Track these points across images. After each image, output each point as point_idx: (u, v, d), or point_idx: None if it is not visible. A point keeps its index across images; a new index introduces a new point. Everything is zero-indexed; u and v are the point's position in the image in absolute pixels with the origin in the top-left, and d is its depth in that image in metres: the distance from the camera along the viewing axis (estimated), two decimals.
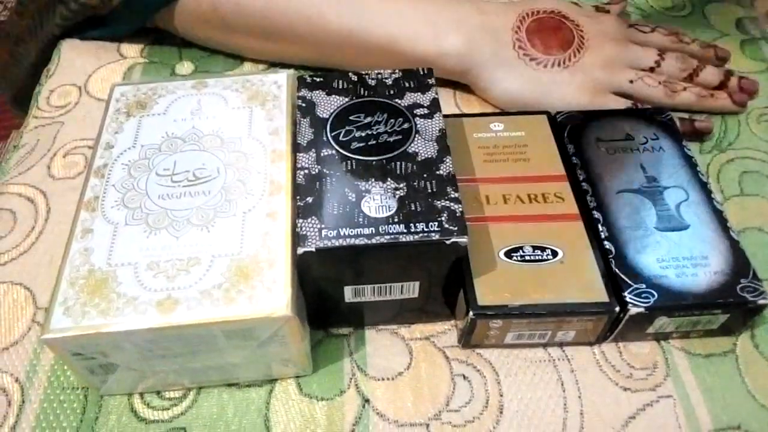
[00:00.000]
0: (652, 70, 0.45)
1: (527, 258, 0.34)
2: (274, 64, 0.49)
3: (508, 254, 0.34)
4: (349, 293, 0.32)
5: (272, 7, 0.44)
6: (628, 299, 0.32)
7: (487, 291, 0.32)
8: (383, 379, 0.34)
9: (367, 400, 0.33)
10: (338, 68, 0.47)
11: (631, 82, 0.43)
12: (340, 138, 0.33)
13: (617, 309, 0.32)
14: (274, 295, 0.29)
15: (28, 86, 0.51)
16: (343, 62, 0.46)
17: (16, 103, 0.58)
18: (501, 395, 0.33)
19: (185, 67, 0.50)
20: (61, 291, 0.29)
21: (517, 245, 0.34)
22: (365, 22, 0.43)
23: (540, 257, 0.34)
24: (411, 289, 0.33)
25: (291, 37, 0.45)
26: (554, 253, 0.34)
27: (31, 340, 0.35)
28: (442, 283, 0.33)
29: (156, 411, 0.32)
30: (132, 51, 0.51)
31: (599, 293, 0.32)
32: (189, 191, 0.32)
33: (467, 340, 0.34)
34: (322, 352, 0.35)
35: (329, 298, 0.33)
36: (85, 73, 0.49)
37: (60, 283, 0.29)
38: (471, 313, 0.32)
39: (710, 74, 0.45)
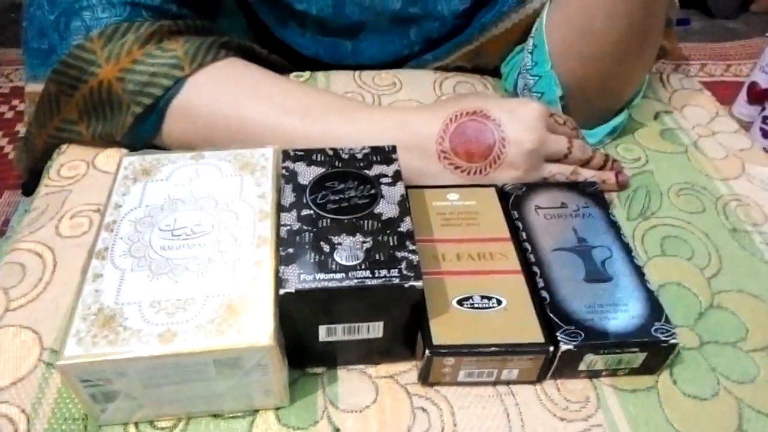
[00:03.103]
0: (565, 156, 0.50)
1: (476, 306, 0.39)
2: None
3: (460, 302, 0.39)
4: (323, 332, 0.37)
5: (244, 130, 0.50)
6: (560, 338, 0.38)
7: (441, 333, 0.38)
8: (352, 412, 0.38)
9: (338, 430, 0.37)
10: None
11: (545, 179, 0.49)
12: (318, 201, 0.40)
13: (551, 348, 0.37)
14: (258, 328, 0.34)
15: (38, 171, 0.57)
16: None
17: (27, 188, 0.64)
18: (455, 425, 0.38)
19: None
20: (74, 325, 0.34)
21: (468, 295, 0.40)
22: (314, 134, 0.49)
23: (487, 305, 0.39)
24: (376, 329, 0.38)
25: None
26: (499, 302, 0.39)
27: (37, 376, 0.39)
28: (404, 324, 0.38)
29: None
30: None
31: (536, 335, 0.38)
32: (187, 243, 0.38)
33: (425, 377, 0.39)
34: (298, 387, 0.39)
35: (306, 338, 0.38)
36: (94, 152, 0.55)
37: (73, 318, 0.34)
38: (427, 351, 0.37)
39: (598, 161, 0.52)
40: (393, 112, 0.51)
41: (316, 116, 0.50)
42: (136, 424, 0.37)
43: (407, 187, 0.42)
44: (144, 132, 0.51)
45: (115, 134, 0.52)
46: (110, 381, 0.34)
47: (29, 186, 0.62)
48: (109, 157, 0.54)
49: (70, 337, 0.33)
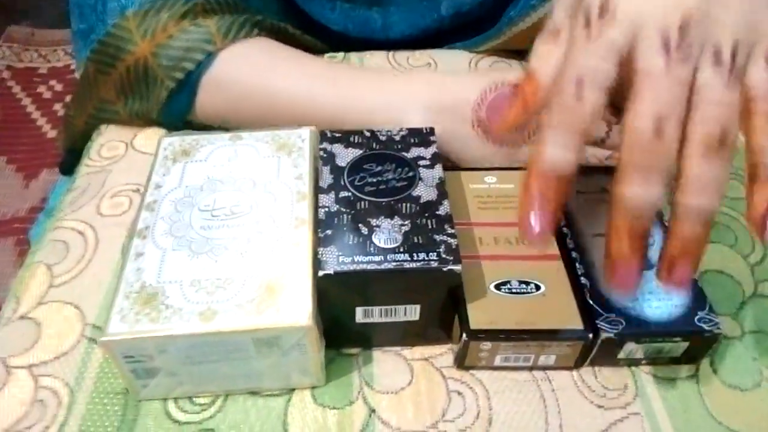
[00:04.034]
0: (602, 141, 0.46)
1: (514, 290, 0.39)
2: None
3: (498, 287, 0.39)
4: (360, 314, 0.38)
5: (275, 102, 0.50)
6: (600, 326, 0.37)
7: (478, 317, 0.38)
8: (387, 393, 0.38)
9: (373, 410, 0.37)
10: None
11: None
12: (356, 183, 0.40)
13: (590, 335, 0.37)
14: (297, 309, 0.34)
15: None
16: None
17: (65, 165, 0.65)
18: (490, 409, 0.38)
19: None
20: (117, 302, 0.35)
21: (506, 279, 0.39)
22: (346, 111, 0.49)
23: (525, 290, 0.39)
24: (413, 312, 0.38)
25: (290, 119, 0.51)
26: (537, 287, 0.39)
27: (80, 351, 0.40)
28: (440, 308, 0.38)
29: (188, 414, 0.37)
30: None
31: (575, 321, 0.37)
32: (226, 224, 0.38)
33: (461, 361, 0.39)
34: (334, 367, 0.39)
35: (343, 319, 0.38)
36: (132, 133, 0.55)
37: (117, 296, 0.35)
38: (464, 335, 0.37)
39: None
40: (430, 74, 0.50)
41: (346, 83, 0.50)
42: (176, 400, 0.38)
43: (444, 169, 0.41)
44: (178, 107, 0.52)
45: (150, 111, 0.53)
46: (152, 357, 0.34)
47: (67, 165, 0.63)
48: (147, 138, 0.55)
49: (113, 314, 0.34)
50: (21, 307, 0.42)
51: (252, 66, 0.51)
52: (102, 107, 0.55)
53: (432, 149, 0.42)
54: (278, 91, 0.50)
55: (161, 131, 0.55)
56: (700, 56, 0.24)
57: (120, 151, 0.54)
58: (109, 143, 0.55)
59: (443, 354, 0.40)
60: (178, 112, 0.53)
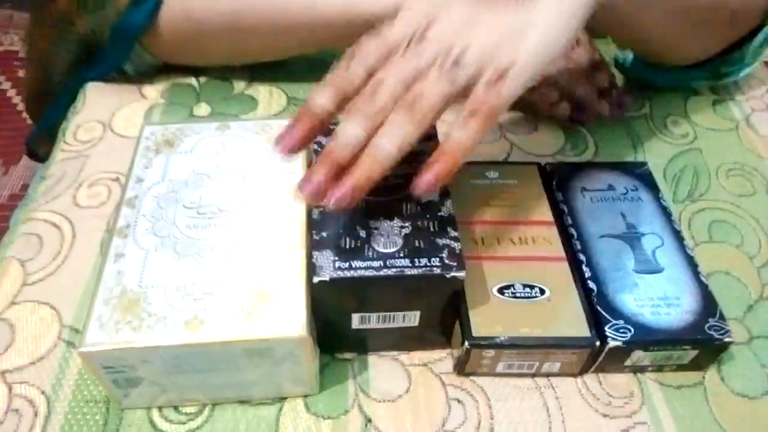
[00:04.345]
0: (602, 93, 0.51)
1: (518, 294, 0.37)
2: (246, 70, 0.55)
3: (501, 291, 0.37)
4: (356, 320, 0.35)
5: (241, 2, 0.48)
6: (607, 333, 0.35)
7: (481, 323, 0.36)
8: (384, 401, 0.36)
9: (370, 420, 0.36)
10: (298, 52, 0.51)
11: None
12: None
13: (598, 343, 0.35)
14: (291, 318, 0.32)
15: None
16: (304, 43, 0.50)
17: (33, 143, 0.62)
18: (492, 418, 0.36)
19: (202, 108, 0.54)
20: (95, 309, 0.32)
21: (509, 283, 0.37)
22: None
23: (529, 294, 0.37)
24: (412, 318, 0.36)
25: (259, 27, 0.49)
26: (542, 291, 0.37)
27: (57, 356, 0.37)
28: (440, 313, 0.36)
29: (173, 424, 0.35)
30: (152, 92, 0.55)
31: (582, 328, 0.36)
32: (213, 222, 0.36)
33: (462, 368, 0.37)
34: (328, 374, 0.37)
35: (337, 324, 0.36)
36: (109, 111, 0.52)
37: (95, 301, 0.32)
38: (467, 343, 0.35)
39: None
40: None
41: None
42: (160, 409, 0.36)
43: None
44: (135, 22, 0.49)
45: (104, 27, 0.49)
46: (134, 368, 0.32)
47: (34, 140, 0.60)
48: (127, 120, 0.52)
49: (92, 321, 0.32)
50: None
51: None
52: (59, 27, 0.51)
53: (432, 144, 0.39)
54: None
55: (141, 110, 0.52)
56: (435, 58, 0.32)
57: (97, 134, 0.50)
58: (86, 124, 0.51)
59: (442, 359, 0.39)
60: (134, 25, 0.49)
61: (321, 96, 0.33)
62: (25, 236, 0.43)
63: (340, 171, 0.31)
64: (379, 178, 0.31)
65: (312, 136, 0.33)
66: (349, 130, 0.31)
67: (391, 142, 0.31)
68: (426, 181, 0.31)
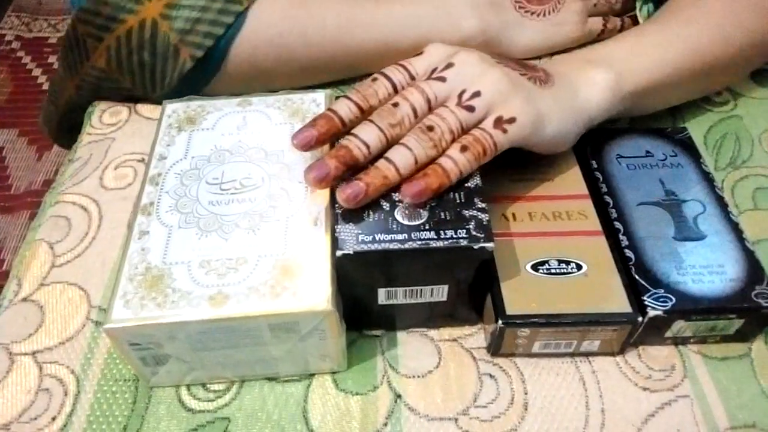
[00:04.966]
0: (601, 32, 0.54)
1: (553, 271, 0.35)
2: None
3: (535, 267, 0.36)
4: (382, 295, 0.35)
5: (318, 45, 0.47)
6: (647, 303, 0.34)
7: (514, 301, 0.34)
8: (414, 377, 0.36)
9: (399, 396, 0.35)
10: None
11: (595, 5, 0.53)
12: None
13: (640, 319, 0.33)
14: (316, 291, 0.31)
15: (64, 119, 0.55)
16: (371, 70, 0.49)
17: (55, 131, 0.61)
18: (526, 393, 0.35)
19: None
20: (120, 286, 0.32)
21: (543, 259, 0.36)
22: (395, 29, 0.48)
23: (565, 270, 0.35)
24: (440, 293, 0.35)
25: (330, 72, 0.50)
26: (578, 267, 0.36)
27: (85, 336, 0.37)
28: (470, 287, 0.35)
29: (202, 402, 0.35)
30: None
31: (622, 304, 0.34)
32: (236, 198, 0.35)
33: (496, 349, 0.36)
34: (356, 350, 0.37)
35: (364, 300, 0.35)
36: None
37: (120, 279, 0.32)
38: (500, 321, 0.34)
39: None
40: None
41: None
42: (188, 387, 0.35)
43: None
44: (199, 79, 0.47)
45: (155, 86, 0.47)
46: (160, 345, 0.32)
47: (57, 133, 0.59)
48: (152, 102, 0.51)
49: (117, 299, 0.31)
50: (23, 289, 0.39)
51: (284, 15, 0.46)
52: (98, 83, 0.49)
53: None
54: (319, 30, 0.47)
55: None
56: (452, 92, 0.35)
57: (123, 116, 0.50)
58: (112, 108, 0.51)
59: (473, 334, 0.37)
60: (195, 85, 0.47)
61: (344, 104, 0.36)
62: (54, 219, 0.43)
63: (347, 167, 0.34)
64: (384, 189, 0.33)
65: (328, 139, 0.35)
66: (366, 132, 0.34)
67: (401, 162, 0.33)
68: (415, 188, 0.33)
